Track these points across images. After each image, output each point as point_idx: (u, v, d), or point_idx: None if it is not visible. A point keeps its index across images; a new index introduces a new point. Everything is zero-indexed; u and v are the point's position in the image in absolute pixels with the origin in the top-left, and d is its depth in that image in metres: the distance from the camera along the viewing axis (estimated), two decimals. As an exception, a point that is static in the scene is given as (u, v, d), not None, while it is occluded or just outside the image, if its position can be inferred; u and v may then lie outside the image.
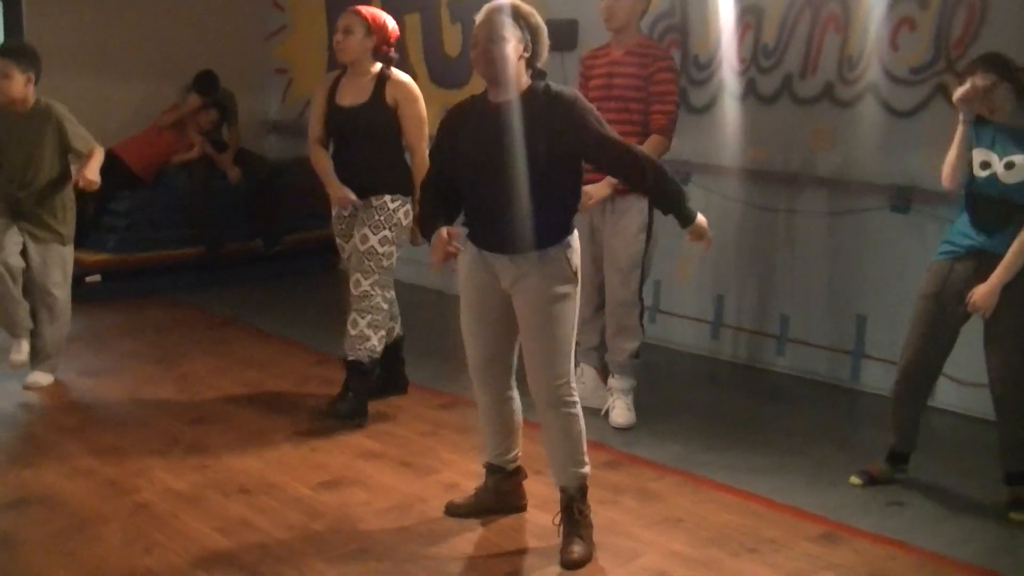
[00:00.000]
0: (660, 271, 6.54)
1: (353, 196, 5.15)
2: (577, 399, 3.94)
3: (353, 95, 5.18)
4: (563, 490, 3.95)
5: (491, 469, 4.27)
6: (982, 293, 4.25)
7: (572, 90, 3.85)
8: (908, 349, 4.53)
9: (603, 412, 5.37)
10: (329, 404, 5.31)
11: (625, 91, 5.14)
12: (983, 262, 4.31)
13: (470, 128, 3.82)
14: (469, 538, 4.04)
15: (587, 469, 3.97)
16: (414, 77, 7.81)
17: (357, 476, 4.61)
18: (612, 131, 3.80)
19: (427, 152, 4.78)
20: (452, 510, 4.24)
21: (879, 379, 5.80)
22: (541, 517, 4.21)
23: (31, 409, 5.36)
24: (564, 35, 6.69)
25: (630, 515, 4.25)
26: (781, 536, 4.10)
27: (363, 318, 5.18)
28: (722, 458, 4.89)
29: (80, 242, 7.67)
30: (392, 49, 5.23)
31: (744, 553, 3.96)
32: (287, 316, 7.31)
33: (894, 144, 5.66)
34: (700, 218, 3.84)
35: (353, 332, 5.20)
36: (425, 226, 3.94)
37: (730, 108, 6.30)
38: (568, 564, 3.81)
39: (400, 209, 5.18)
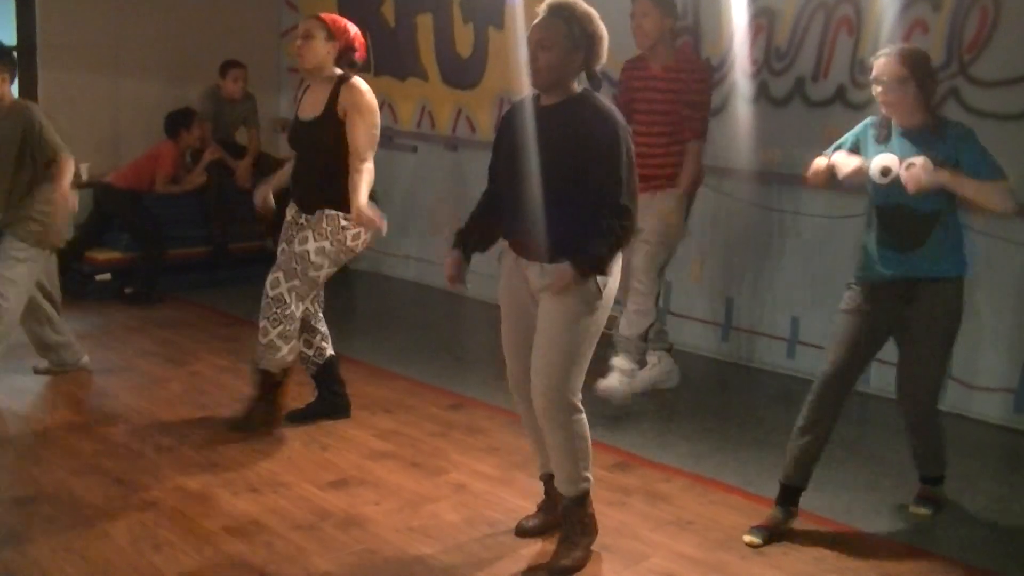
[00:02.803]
0: (670, 273, 6.53)
1: (381, 224, 4.87)
2: (581, 412, 3.83)
3: (311, 107, 4.97)
4: (562, 496, 3.93)
5: (547, 480, 4.10)
6: (922, 174, 3.89)
7: (620, 115, 3.73)
8: (828, 364, 4.25)
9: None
10: (242, 414, 5.15)
11: (666, 105, 5.45)
12: (907, 288, 4.09)
13: (517, 129, 3.78)
14: (478, 539, 4.04)
15: (585, 484, 3.87)
16: (425, 77, 7.81)
17: (366, 476, 4.61)
18: (628, 177, 3.65)
19: (365, 166, 4.82)
20: (523, 531, 4.07)
21: (889, 383, 5.77)
22: (550, 518, 4.21)
23: (40, 406, 5.38)
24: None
25: (639, 517, 4.24)
26: (790, 539, 4.09)
27: (274, 328, 4.93)
28: (732, 460, 4.88)
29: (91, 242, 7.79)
30: (359, 54, 5.04)
31: (753, 556, 3.95)
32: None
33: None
34: (567, 271, 3.64)
35: (263, 341, 4.97)
36: (456, 235, 3.95)
37: (742, 110, 6.28)
38: (555, 571, 3.76)
39: (352, 229, 4.93)
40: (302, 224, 5.01)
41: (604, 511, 4.22)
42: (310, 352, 5.26)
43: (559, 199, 3.65)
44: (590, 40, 3.65)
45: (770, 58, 6.16)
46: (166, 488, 4.41)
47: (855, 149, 4.21)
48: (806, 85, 6.01)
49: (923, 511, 4.37)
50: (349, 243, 4.96)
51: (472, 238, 3.93)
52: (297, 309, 4.96)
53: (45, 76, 8.07)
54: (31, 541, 3.89)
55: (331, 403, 5.33)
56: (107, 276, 7.71)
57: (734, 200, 6.35)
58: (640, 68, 5.55)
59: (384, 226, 4.86)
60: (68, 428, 5.06)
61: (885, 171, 4.04)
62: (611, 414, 5.38)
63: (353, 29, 5.01)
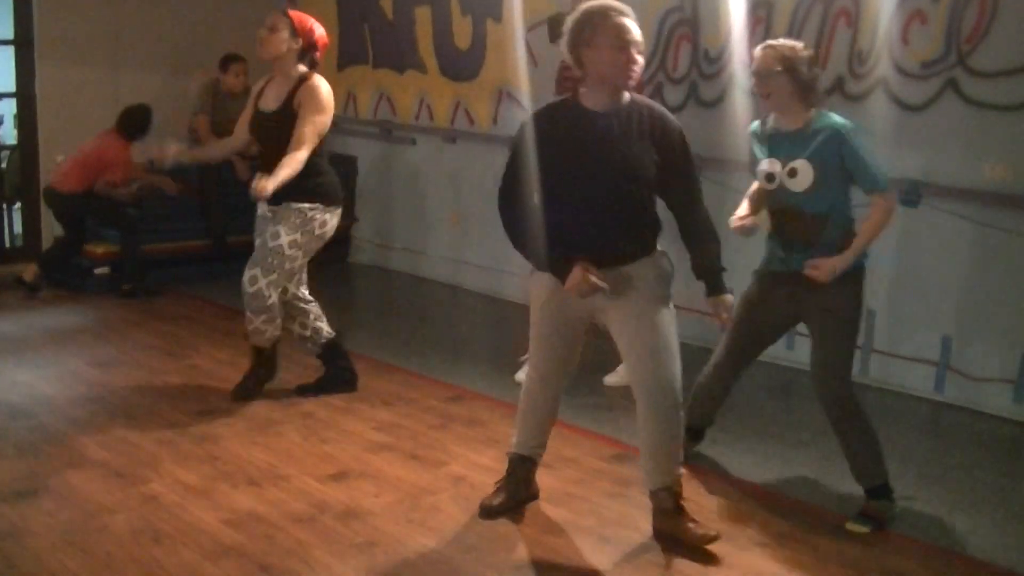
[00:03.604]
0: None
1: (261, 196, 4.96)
2: (681, 400, 3.94)
3: (272, 100, 5.18)
4: (667, 488, 3.96)
5: (521, 460, 4.23)
6: (826, 266, 4.03)
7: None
8: (722, 344, 4.58)
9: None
10: (240, 383, 5.44)
11: None
12: (797, 284, 4.16)
13: (566, 135, 3.74)
14: (477, 531, 4.04)
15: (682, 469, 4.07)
16: (424, 70, 7.83)
17: (365, 468, 4.61)
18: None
19: (298, 155, 4.94)
20: (488, 512, 4.15)
21: (888, 374, 5.79)
22: (548, 509, 4.22)
23: (40, 400, 5.37)
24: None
25: (639, 508, 4.24)
26: (790, 530, 4.09)
27: (258, 317, 5.24)
28: (731, 451, 4.88)
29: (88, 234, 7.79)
30: (318, 54, 5.23)
31: (753, 547, 3.95)
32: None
33: (904, 138, 5.64)
34: (727, 297, 3.94)
35: (250, 328, 5.30)
36: (556, 265, 3.78)
37: (740, 102, 6.27)
38: (708, 539, 3.87)
39: (317, 218, 5.17)
40: (269, 217, 5.18)
41: (604, 503, 4.24)
42: (307, 333, 5.45)
43: (635, 200, 3.74)
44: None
45: (769, 49, 6.15)
46: (166, 481, 4.41)
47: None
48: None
49: (860, 528, 4.10)
50: (318, 232, 5.21)
51: (569, 253, 3.76)
52: (276, 297, 5.23)
53: (43, 70, 8.07)
54: (31, 534, 3.90)
55: (338, 377, 5.57)
56: (106, 270, 7.71)
57: (734, 192, 6.33)
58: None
59: (263, 195, 4.96)
60: (68, 421, 5.06)
61: (770, 177, 4.20)
62: (607, 405, 5.39)
63: (319, 31, 5.19)
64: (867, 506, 4.19)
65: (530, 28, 7.32)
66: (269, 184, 4.84)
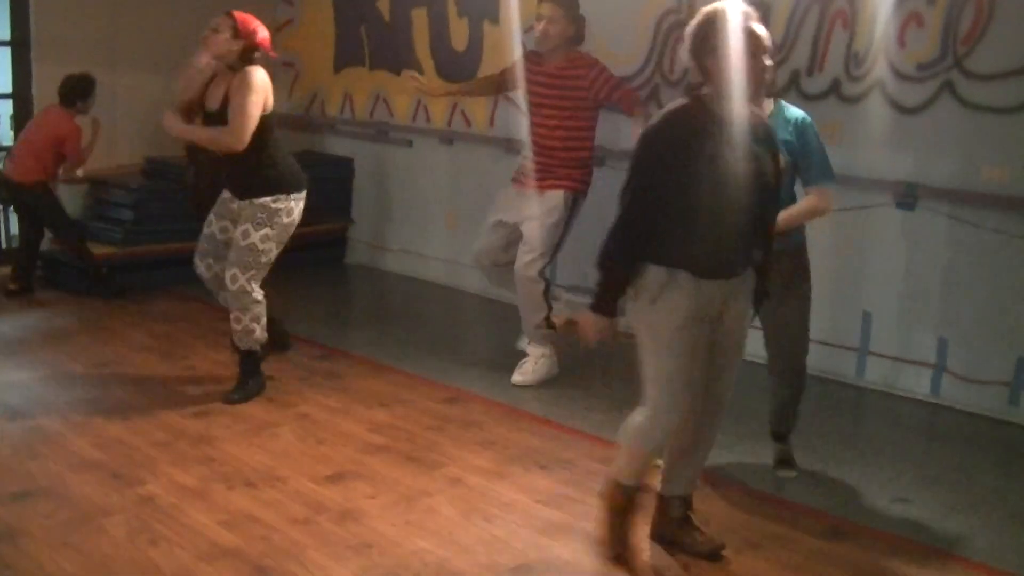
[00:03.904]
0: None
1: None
2: None
3: (213, 100, 5.32)
4: (684, 498, 3.96)
5: (682, 500, 3.97)
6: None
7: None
8: None
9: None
10: (235, 389, 5.44)
11: (559, 102, 5.70)
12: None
13: (708, 143, 3.49)
14: (474, 533, 4.04)
15: None
16: (421, 71, 7.81)
17: (362, 470, 4.61)
18: None
19: (226, 130, 5.09)
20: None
21: (885, 376, 5.79)
22: (543, 511, 4.23)
23: (36, 401, 5.37)
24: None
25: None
26: (786, 532, 4.10)
27: (245, 315, 5.35)
28: (728, 454, 4.88)
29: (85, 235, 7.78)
30: (258, 54, 5.32)
31: (748, 549, 3.95)
32: (293, 309, 7.29)
33: (900, 141, 5.65)
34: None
35: (238, 328, 5.38)
36: (606, 301, 3.62)
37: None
38: (716, 548, 3.87)
39: (282, 208, 5.28)
40: (234, 208, 5.34)
41: (599, 504, 4.24)
42: (238, 327, 5.46)
43: (764, 209, 3.66)
44: None
45: (766, 51, 6.15)
46: (162, 482, 4.41)
47: None
48: (801, 78, 6.01)
49: (791, 473, 4.64)
50: (286, 220, 5.32)
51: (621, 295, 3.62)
52: (259, 291, 5.35)
53: (39, 71, 8.03)
54: (27, 536, 3.89)
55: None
56: (103, 271, 7.69)
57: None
58: (536, 63, 5.80)
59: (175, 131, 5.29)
60: (64, 423, 5.06)
61: None
62: (602, 407, 5.39)
63: (262, 33, 5.33)
64: (784, 451, 4.70)
65: (527, 30, 7.31)
66: (179, 125, 5.28)
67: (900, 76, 5.61)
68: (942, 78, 5.44)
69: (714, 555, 3.86)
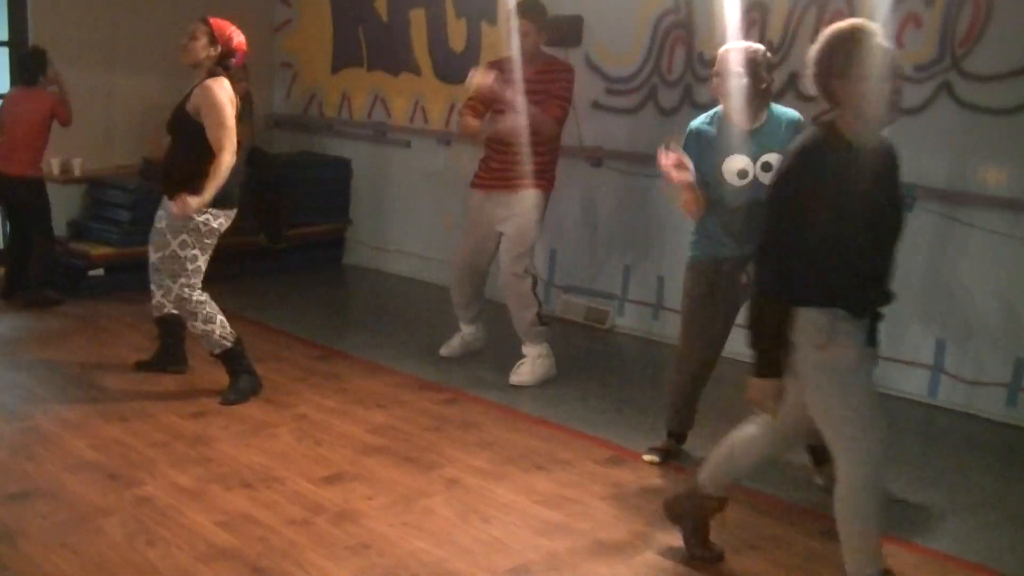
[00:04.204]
0: (666, 268, 6.55)
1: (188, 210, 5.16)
2: None
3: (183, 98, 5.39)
4: (720, 499, 3.89)
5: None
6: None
7: None
8: (688, 348, 4.70)
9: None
10: (229, 390, 5.45)
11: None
12: (737, 266, 4.44)
13: (849, 178, 3.28)
14: (472, 534, 4.04)
15: None
16: (419, 72, 7.81)
17: (359, 471, 4.61)
18: None
19: (221, 158, 5.11)
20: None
21: (882, 377, 5.78)
22: (542, 511, 4.23)
23: (34, 402, 5.36)
24: (569, 31, 6.69)
25: (633, 511, 4.25)
26: (783, 532, 4.10)
27: (196, 320, 5.39)
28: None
29: (82, 236, 7.78)
30: (236, 61, 5.44)
31: (746, 549, 3.95)
32: (291, 310, 7.31)
33: (898, 141, 5.59)
34: None
35: (198, 335, 5.44)
36: (770, 362, 3.44)
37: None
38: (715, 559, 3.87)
39: (200, 216, 5.25)
40: (161, 228, 5.39)
41: (598, 505, 4.24)
42: (163, 312, 5.67)
43: (896, 241, 3.47)
44: None
45: (764, 53, 6.15)
46: (160, 483, 4.40)
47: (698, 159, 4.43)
48: (799, 79, 6.00)
49: (654, 458, 4.78)
50: (204, 230, 5.31)
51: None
52: (199, 294, 5.39)
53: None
54: (25, 537, 3.89)
55: (170, 356, 5.83)
56: (100, 271, 7.68)
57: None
58: (508, 71, 5.72)
59: (187, 211, 5.14)
60: (61, 424, 5.05)
61: (743, 173, 4.34)
62: (601, 408, 5.39)
63: (237, 38, 5.42)
64: (669, 444, 4.83)
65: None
66: (193, 201, 5.09)
67: (898, 77, 5.60)
68: (940, 79, 5.44)
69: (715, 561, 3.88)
